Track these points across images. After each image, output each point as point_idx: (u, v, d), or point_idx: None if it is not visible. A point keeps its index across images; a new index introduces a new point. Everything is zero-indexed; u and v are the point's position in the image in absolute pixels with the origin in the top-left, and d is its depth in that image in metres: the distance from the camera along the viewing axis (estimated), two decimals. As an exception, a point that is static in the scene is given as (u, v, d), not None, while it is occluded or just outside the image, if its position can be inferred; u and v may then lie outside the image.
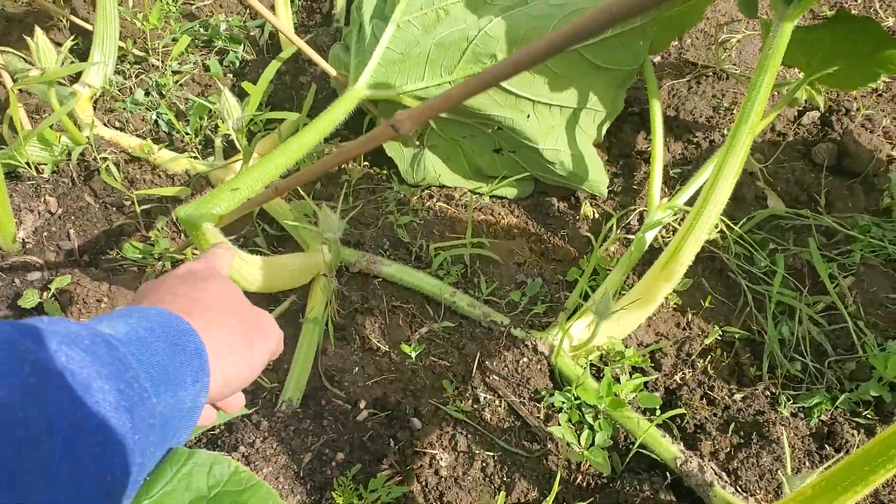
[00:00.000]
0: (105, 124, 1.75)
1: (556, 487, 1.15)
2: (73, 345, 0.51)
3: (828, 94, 1.78)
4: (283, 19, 1.77)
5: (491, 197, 1.60)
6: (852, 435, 1.23)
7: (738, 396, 1.30)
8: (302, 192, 1.45)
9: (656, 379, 1.33)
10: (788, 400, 1.28)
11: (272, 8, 1.81)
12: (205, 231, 1.12)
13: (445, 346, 1.35)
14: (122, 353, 0.54)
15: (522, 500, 1.21)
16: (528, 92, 1.36)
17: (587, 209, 1.57)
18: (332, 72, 1.48)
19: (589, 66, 1.37)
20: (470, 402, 1.29)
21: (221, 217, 1.14)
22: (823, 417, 1.28)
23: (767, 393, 1.31)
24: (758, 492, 1.16)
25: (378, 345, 1.34)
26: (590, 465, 1.23)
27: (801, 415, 1.27)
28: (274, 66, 1.61)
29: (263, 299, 1.41)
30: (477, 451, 1.24)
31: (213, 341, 0.67)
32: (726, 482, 1.16)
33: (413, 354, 1.32)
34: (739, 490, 1.16)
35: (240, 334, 0.73)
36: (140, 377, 0.55)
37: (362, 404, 1.28)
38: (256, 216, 1.52)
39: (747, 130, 1.16)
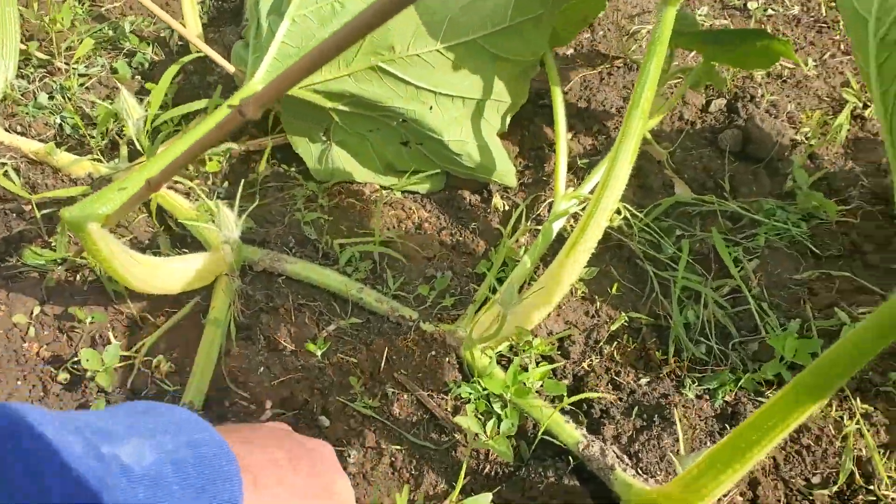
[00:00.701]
0: (7, 129, 1.70)
1: (462, 478, 1.14)
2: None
3: (734, 81, 1.81)
4: (190, 19, 1.74)
5: (403, 192, 1.59)
6: (751, 413, 1.25)
7: (643, 381, 1.31)
8: (199, 192, 1.43)
9: (564, 366, 1.33)
10: (693, 382, 1.30)
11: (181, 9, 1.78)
12: (90, 232, 1.09)
13: (353, 342, 1.33)
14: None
15: (431, 493, 1.20)
16: (428, 83, 1.35)
17: (498, 201, 1.58)
18: (231, 69, 1.46)
19: (489, 56, 1.37)
20: (378, 397, 1.27)
21: (108, 217, 1.10)
22: (728, 398, 1.30)
23: (673, 376, 1.33)
24: (658, 473, 1.17)
25: (284, 344, 1.32)
26: (497, 455, 1.23)
27: (706, 396, 1.29)
28: (175, 66, 1.58)
29: (166, 301, 1.38)
30: (385, 446, 1.23)
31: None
32: (627, 465, 1.17)
33: (319, 353, 1.30)
34: (640, 472, 1.17)
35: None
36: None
37: (268, 405, 1.26)
38: (160, 216, 1.49)
39: (638, 115, 1.17)
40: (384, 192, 1.57)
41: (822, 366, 0.85)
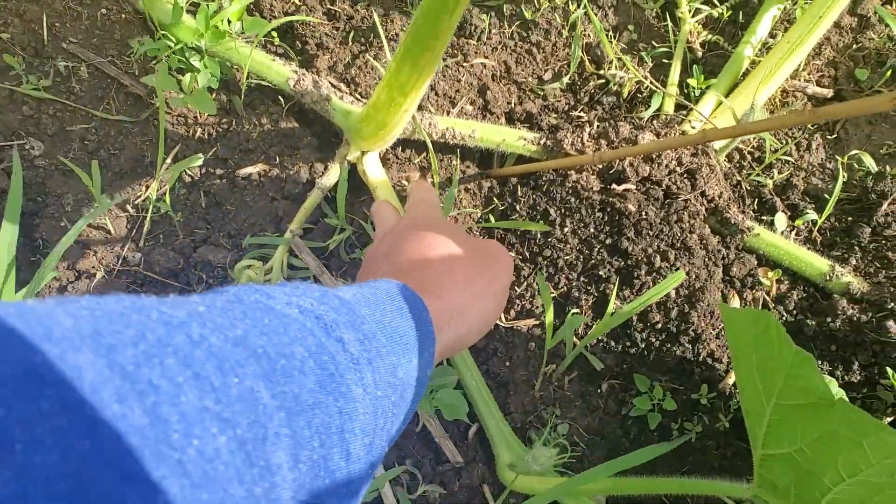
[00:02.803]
0: None
1: (162, 143, 1.00)
2: (304, 296, 0.46)
3: None
4: None
5: None
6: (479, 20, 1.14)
7: (361, 5, 1.16)
8: None
9: (272, 4, 1.15)
10: (417, -6, 1.16)
11: None
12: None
13: (1, 15, 1.07)
14: (356, 308, 0.48)
15: (139, 170, 1.06)
16: None
17: None
18: None
19: None
20: (51, 76, 1.06)
21: None
22: None
23: (394, -10, 1.18)
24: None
25: None
26: (208, 115, 1.08)
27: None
28: None
29: None
30: (72, 128, 1.05)
31: (443, 302, 0.63)
32: (344, 92, 1.06)
33: (-44, 33, 1.04)
34: (359, 98, 1.07)
35: (472, 287, 0.67)
36: (377, 333, 0.49)
37: None
38: None
39: None
40: None
41: None
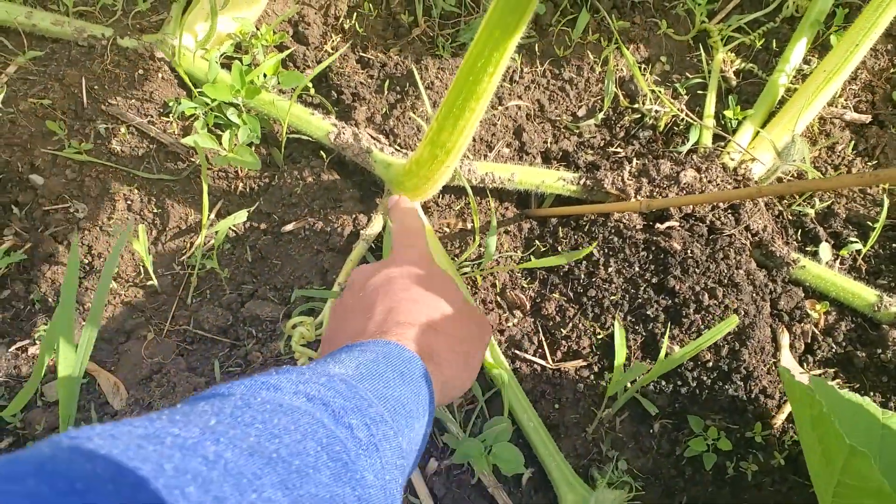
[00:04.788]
0: None
1: (206, 199, 1.01)
2: (311, 382, 0.48)
3: None
4: None
5: None
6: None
7: (393, 51, 1.16)
8: None
9: (304, 54, 1.15)
10: (447, 40, 1.16)
11: None
12: None
13: (41, 80, 1.09)
14: (360, 390, 0.51)
15: (184, 227, 1.07)
16: None
17: None
18: None
19: None
20: (91, 138, 1.07)
21: None
22: (488, 49, 1.18)
23: (425, 38, 1.18)
24: (416, 145, 1.08)
25: (-48, 103, 1.06)
26: (249, 170, 1.09)
27: (462, 52, 1.17)
28: None
29: None
30: (115, 190, 1.06)
31: (435, 362, 0.65)
32: (384, 144, 1.07)
33: (-2, 101, 1.05)
34: (399, 148, 1.07)
35: (459, 347, 0.70)
36: (383, 414, 0.51)
37: (-42, 178, 1.04)
38: None
39: None
40: None
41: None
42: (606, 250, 1.04)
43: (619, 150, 1.13)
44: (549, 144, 1.14)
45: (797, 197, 1.13)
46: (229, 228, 1.06)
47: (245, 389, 0.47)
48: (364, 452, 0.47)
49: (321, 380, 0.50)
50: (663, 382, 1.01)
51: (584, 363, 1.03)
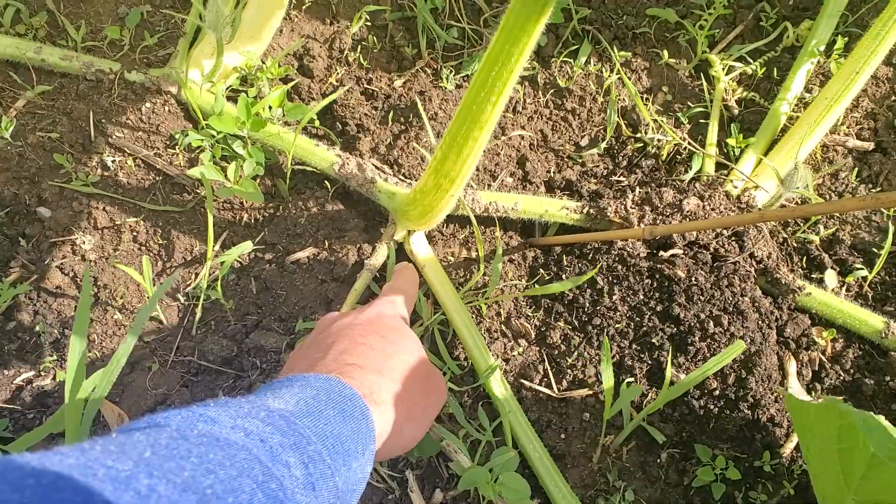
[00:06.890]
0: None
1: (211, 232, 1.01)
2: (249, 417, 0.48)
3: None
4: None
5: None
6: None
7: (398, 83, 1.17)
8: None
9: (310, 87, 1.17)
10: (450, 72, 1.18)
11: None
12: None
13: (49, 114, 1.10)
14: (299, 427, 0.50)
15: (189, 258, 1.08)
16: None
17: None
18: None
19: None
20: (98, 170, 1.08)
21: None
22: (491, 80, 1.19)
23: (429, 70, 1.19)
24: (420, 174, 1.09)
25: (-39, 136, 1.07)
26: (251, 200, 1.10)
27: (465, 84, 1.18)
28: None
29: None
30: (121, 222, 1.07)
31: (377, 403, 0.64)
32: (389, 174, 1.07)
33: (7, 134, 1.07)
34: (402, 178, 1.08)
35: (405, 395, 0.70)
36: (322, 452, 0.50)
37: (-33, 211, 1.05)
38: None
39: None
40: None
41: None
42: (610, 278, 1.04)
43: (622, 178, 1.14)
44: (552, 174, 1.15)
45: (801, 224, 1.13)
46: (234, 259, 1.07)
47: (182, 420, 0.46)
48: (301, 491, 0.46)
49: (260, 414, 0.49)
50: (670, 411, 1.00)
51: (590, 392, 1.02)
